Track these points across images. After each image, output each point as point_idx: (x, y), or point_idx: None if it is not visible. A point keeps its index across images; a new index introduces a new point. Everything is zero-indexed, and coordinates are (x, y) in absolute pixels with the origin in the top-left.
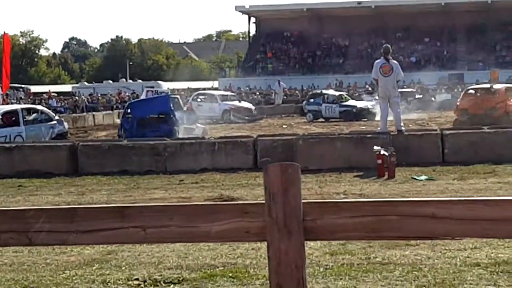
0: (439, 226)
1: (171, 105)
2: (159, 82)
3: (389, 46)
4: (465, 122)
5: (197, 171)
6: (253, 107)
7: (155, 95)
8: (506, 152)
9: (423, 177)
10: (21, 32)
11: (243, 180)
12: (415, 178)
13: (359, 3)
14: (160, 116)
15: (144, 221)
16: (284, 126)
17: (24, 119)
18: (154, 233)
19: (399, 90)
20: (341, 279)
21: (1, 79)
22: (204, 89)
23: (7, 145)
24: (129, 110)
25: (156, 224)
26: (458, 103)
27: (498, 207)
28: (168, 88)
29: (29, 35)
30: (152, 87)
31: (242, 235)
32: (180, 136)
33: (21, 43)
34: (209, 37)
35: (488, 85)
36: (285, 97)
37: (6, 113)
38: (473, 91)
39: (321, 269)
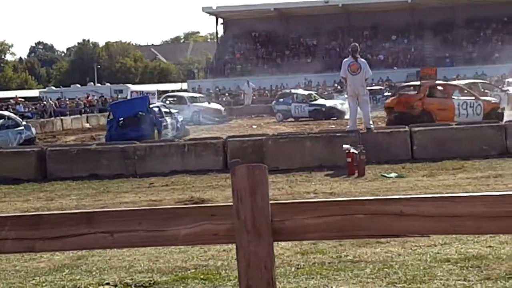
0: (407, 223)
1: (149, 105)
2: (128, 85)
3: (357, 44)
4: (392, 121)
5: (167, 174)
6: (222, 108)
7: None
8: (474, 147)
9: (393, 175)
10: None
11: (213, 182)
12: (384, 176)
13: (326, 1)
14: (139, 116)
15: (112, 226)
16: (254, 126)
17: None
18: (122, 238)
19: (368, 88)
20: (312, 278)
21: None
22: (173, 91)
23: None
24: (110, 112)
25: (124, 228)
26: (386, 102)
27: (466, 203)
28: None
29: None
30: (121, 90)
31: (210, 237)
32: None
33: None
34: (177, 39)
35: (418, 82)
36: (254, 97)
37: None
38: (405, 89)
39: (293, 269)
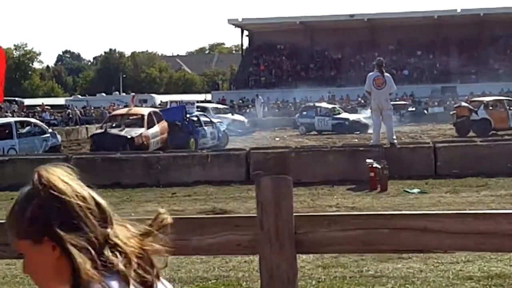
0: (431, 239)
1: (186, 115)
2: (152, 95)
3: (382, 59)
4: None
5: (190, 184)
6: (245, 120)
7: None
8: (498, 164)
9: (416, 190)
10: (14, 45)
11: (235, 193)
12: (407, 191)
13: (352, 16)
14: (175, 124)
15: None
16: (277, 138)
17: (18, 132)
18: None
19: (392, 103)
20: None
21: None
22: (197, 102)
23: (0, 158)
24: None
25: None
26: None
27: (490, 220)
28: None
29: (23, 48)
30: (145, 100)
31: (233, 248)
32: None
33: (14, 56)
34: (202, 50)
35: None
36: (265, 110)
37: None
38: None
39: (314, 282)
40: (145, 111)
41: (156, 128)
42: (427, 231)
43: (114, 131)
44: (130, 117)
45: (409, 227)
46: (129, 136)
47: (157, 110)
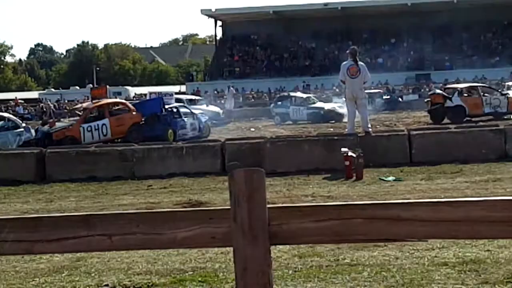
0: (404, 228)
1: (163, 106)
2: (126, 87)
3: (356, 48)
4: None
5: (165, 176)
6: (220, 111)
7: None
8: (473, 151)
9: (391, 178)
10: None
11: (211, 184)
12: (383, 179)
13: (326, 4)
14: (153, 116)
15: (110, 229)
16: (252, 129)
17: None
18: (120, 241)
19: (366, 91)
20: (310, 281)
21: None
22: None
23: None
24: None
25: (122, 231)
26: None
27: (462, 208)
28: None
29: None
30: (119, 92)
31: (207, 241)
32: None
33: None
34: (176, 41)
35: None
36: (238, 101)
37: None
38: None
39: (290, 272)
40: (89, 104)
41: (103, 121)
42: (400, 220)
43: (45, 127)
44: (77, 111)
45: (382, 216)
46: (47, 131)
47: (119, 100)
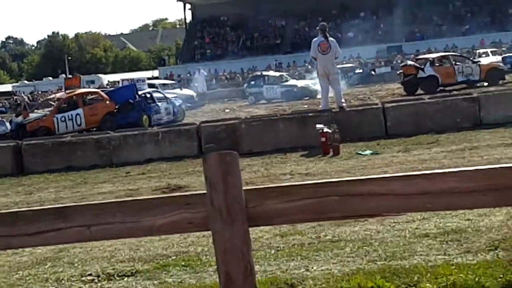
0: (380, 203)
1: (137, 92)
2: (99, 75)
3: (325, 24)
4: None
5: (143, 162)
6: (194, 94)
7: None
8: (448, 120)
9: (368, 152)
10: None
11: (189, 168)
12: (360, 154)
13: None
14: (127, 103)
15: (88, 220)
16: (227, 110)
17: None
18: (99, 231)
19: (339, 66)
20: (293, 259)
21: None
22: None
23: None
24: None
25: (100, 221)
26: None
27: (437, 179)
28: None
29: None
30: (93, 81)
31: (185, 226)
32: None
33: None
34: (146, 26)
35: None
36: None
37: None
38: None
39: (273, 251)
40: (63, 94)
41: (77, 111)
42: (376, 195)
43: (19, 118)
44: (51, 101)
45: (357, 192)
46: (20, 122)
47: (92, 90)
